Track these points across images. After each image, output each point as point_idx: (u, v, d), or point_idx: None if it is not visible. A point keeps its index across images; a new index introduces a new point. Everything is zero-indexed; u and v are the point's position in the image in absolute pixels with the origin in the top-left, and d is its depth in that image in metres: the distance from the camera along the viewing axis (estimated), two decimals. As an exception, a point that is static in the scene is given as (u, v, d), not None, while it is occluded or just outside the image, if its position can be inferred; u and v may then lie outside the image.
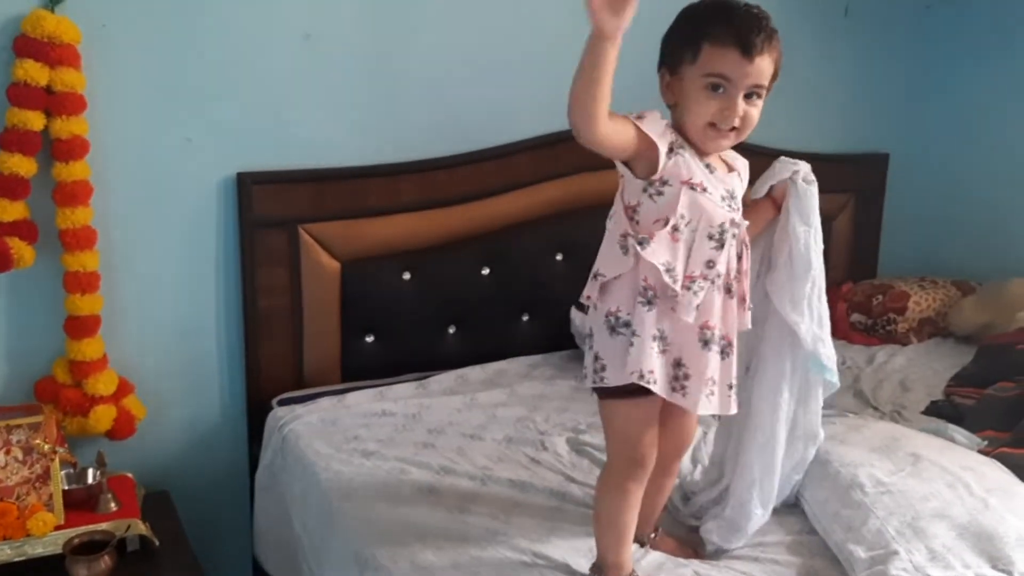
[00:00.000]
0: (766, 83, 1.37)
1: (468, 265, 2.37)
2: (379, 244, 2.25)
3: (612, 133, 1.27)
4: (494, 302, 2.40)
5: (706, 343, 1.38)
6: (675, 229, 1.34)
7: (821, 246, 1.52)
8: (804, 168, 1.51)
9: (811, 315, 1.51)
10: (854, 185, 3.00)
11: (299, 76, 2.12)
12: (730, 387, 1.41)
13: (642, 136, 1.31)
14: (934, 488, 1.50)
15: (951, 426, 1.84)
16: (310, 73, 2.13)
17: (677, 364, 1.37)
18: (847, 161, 2.96)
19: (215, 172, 2.07)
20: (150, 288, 2.06)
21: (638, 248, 1.33)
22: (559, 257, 2.47)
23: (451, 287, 2.34)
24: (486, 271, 2.38)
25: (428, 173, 2.29)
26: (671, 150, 1.34)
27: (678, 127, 1.38)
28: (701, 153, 1.39)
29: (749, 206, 1.52)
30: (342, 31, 2.14)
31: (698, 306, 1.36)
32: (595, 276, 1.40)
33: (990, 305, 2.58)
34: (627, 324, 1.36)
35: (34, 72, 1.79)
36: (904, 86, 2.99)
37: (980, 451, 1.78)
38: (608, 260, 1.39)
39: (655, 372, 1.34)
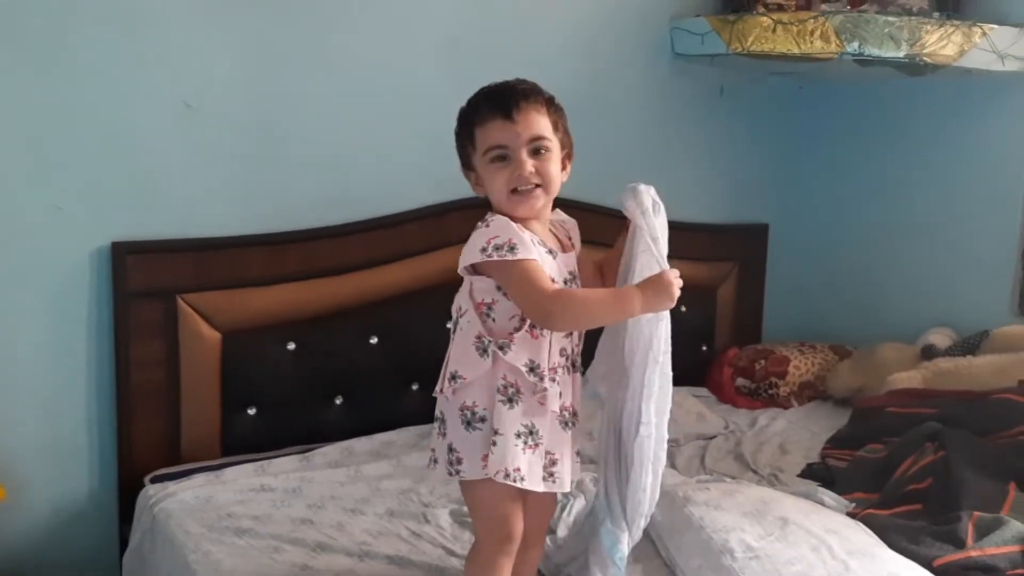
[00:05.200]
0: (547, 135, 1.40)
1: (355, 335, 2.34)
2: (262, 314, 2.21)
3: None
4: (382, 372, 2.38)
5: (566, 424, 1.45)
6: (533, 326, 1.38)
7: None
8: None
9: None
10: (737, 254, 3.12)
11: (179, 143, 2.10)
12: (577, 453, 1.49)
13: None
14: (799, 552, 1.54)
15: (821, 489, 1.90)
16: (191, 140, 2.11)
17: (546, 454, 1.42)
18: (729, 231, 3.08)
19: (88, 242, 2.02)
20: (13, 363, 1.97)
21: (499, 353, 1.37)
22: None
23: (338, 357, 2.30)
24: (374, 340, 2.36)
25: (314, 242, 2.28)
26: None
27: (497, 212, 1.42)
28: (522, 222, 1.40)
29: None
30: (224, 99, 2.14)
31: (561, 393, 1.42)
32: (453, 378, 1.40)
33: (863, 369, 2.70)
34: (483, 419, 1.39)
35: None
36: (780, 161, 3.14)
37: (849, 513, 1.83)
38: (465, 362, 1.40)
39: (522, 469, 1.38)
